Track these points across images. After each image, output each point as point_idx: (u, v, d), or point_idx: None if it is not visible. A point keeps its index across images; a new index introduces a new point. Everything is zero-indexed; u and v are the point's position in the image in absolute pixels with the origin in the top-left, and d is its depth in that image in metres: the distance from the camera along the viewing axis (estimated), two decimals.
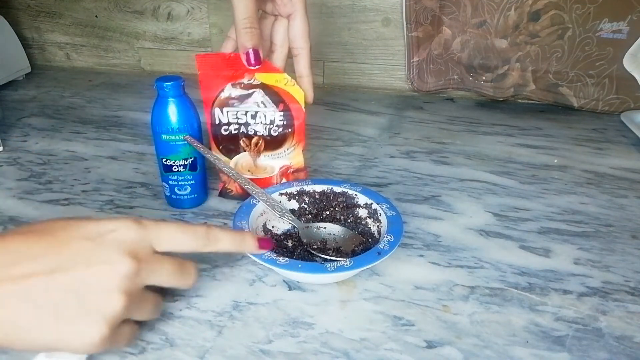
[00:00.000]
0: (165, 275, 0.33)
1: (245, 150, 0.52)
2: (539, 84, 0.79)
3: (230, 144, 0.51)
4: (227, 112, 0.50)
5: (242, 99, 0.50)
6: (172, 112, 0.48)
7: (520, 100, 0.83)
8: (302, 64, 0.49)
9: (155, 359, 0.35)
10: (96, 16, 0.99)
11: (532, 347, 0.36)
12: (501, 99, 0.82)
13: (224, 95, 0.50)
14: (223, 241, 0.36)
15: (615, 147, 0.67)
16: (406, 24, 0.80)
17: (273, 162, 0.52)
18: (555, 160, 0.64)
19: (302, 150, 0.52)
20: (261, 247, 0.39)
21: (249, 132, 0.51)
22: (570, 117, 0.77)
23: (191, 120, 0.49)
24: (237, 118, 0.50)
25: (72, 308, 0.29)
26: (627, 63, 0.71)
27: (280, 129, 0.50)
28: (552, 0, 0.72)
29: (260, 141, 0.51)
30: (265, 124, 0.50)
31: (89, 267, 0.29)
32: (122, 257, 0.30)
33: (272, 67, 0.48)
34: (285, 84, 0.48)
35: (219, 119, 0.50)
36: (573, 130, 0.73)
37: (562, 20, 0.73)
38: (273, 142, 0.51)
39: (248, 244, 0.38)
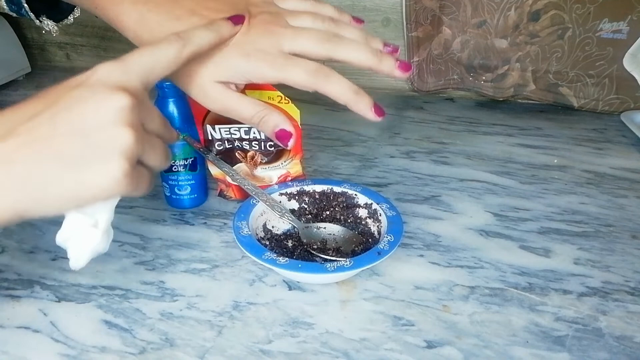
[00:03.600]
0: (157, 119, 0.33)
1: (241, 162, 0.51)
2: (539, 84, 0.79)
3: (226, 157, 0.50)
4: (220, 128, 0.49)
5: None
6: (172, 112, 0.48)
7: (520, 100, 0.83)
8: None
9: (155, 359, 0.35)
10: (96, 16, 0.99)
11: (532, 347, 0.36)
12: (501, 99, 0.82)
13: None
14: (197, 35, 0.35)
15: (615, 147, 0.67)
16: (406, 24, 0.80)
17: (271, 173, 0.51)
18: (555, 160, 0.64)
19: (300, 161, 0.51)
20: (235, 22, 0.37)
21: (244, 147, 0.50)
22: (570, 117, 0.77)
23: (191, 120, 0.49)
24: (231, 134, 0.49)
25: (83, 149, 0.28)
26: (627, 63, 0.71)
27: (276, 145, 0.49)
28: (552, 0, 0.72)
29: (257, 155, 0.50)
30: (260, 139, 0.49)
31: (86, 106, 0.29)
32: (112, 91, 0.29)
33: (264, 85, 0.45)
34: (279, 102, 0.46)
35: (212, 135, 0.49)
36: (573, 130, 0.73)
37: (562, 20, 0.73)
38: (269, 156, 0.50)
39: (224, 27, 0.36)
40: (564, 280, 0.42)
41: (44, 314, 0.39)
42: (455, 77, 0.83)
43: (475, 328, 0.37)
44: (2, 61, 0.91)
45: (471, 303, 0.40)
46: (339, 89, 0.37)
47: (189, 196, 0.52)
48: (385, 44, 0.42)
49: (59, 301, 0.40)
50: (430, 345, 0.36)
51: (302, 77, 0.37)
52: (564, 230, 0.49)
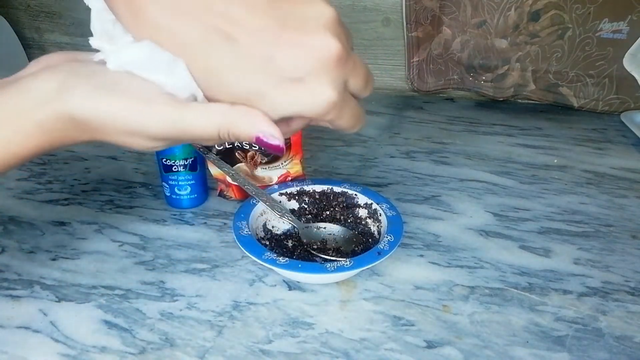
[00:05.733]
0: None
1: (242, 162, 0.51)
2: (539, 84, 0.79)
3: (226, 157, 0.50)
4: None
5: None
6: None
7: (520, 100, 0.83)
8: None
9: (155, 359, 0.35)
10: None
11: (532, 347, 0.36)
12: (501, 99, 0.82)
13: None
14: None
15: (615, 147, 0.67)
16: (406, 24, 0.80)
17: (271, 173, 0.52)
18: (555, 160, 0.64)
19: (300, 161, 0.51)
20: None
21: (244, 147, 0.50)
22: (570, 117, 0.77)
23: None
24: None
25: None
26: (627, 63, 0.71)
27: None
28: (552, 0, 0.72)
29: (257, 155, 0.50)
30: None
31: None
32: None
33: None
34: None
35: None
36: (573, 130, 0.73)
37: (562, 20, 0.73)
38: (269, 156, 0.50)
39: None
40: (564, 280, 0.42)
41: (44, 314, 0.39)
42: (455, 77, 0.83)
43: (475, 328, 0.37)
44: (2, 61, 0.91)
45: (471, 303, 0.40)
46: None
47: (188, 196, 0.52)
48: None
49: (59, 301, 0.40)
50: (430, 345, 0.36)
51: None
52: (564, 230, 0.49)
